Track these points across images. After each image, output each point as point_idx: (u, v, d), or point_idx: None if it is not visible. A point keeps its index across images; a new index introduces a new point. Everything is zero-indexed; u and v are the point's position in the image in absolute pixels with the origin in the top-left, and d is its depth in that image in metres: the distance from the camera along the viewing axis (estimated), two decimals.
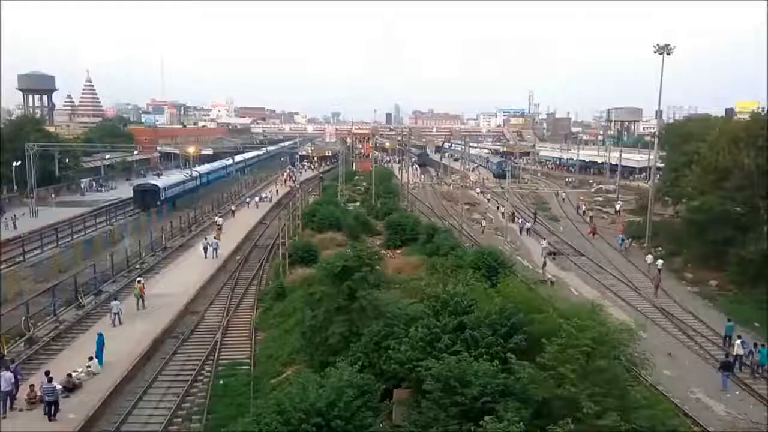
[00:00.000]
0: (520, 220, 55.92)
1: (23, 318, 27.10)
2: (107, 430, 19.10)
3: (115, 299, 29.63)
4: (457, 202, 62.65)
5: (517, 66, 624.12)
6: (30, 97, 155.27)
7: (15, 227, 50.85)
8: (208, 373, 23.60)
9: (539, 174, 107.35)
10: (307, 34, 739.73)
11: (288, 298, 30.94)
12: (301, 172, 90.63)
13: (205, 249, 42.52)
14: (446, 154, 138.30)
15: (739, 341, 24.50)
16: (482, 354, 15.65)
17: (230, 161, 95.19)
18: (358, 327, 19.57)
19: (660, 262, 38.62)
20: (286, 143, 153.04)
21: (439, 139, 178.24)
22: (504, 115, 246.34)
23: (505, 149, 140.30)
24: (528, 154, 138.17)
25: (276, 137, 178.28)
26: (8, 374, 19.91)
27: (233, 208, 62.73)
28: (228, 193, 76.14)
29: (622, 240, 47.38)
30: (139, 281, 32.33)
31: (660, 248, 44.18)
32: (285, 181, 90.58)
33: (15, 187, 65.43)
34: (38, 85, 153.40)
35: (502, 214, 58.46)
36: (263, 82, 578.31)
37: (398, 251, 42.63)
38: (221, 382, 22.53)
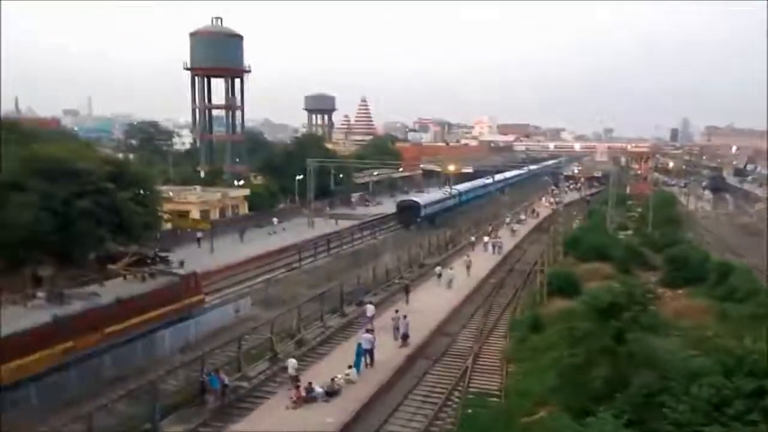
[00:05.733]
0: None
1: (295, 320, 31.21)
2: None
3: (444, 269, 43.20)
4: (763, 236, 54.29)
5: None
6: (314, 116, 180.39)
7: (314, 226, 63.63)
8: (457, 399, 24.18)
9: None
10: (577, 44, 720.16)
11: (544, 331, 30.15)
12: (565, 194, 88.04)
13: (493, 246, 53.76)
14: (749, 178, 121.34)
15: None
16: None
17: (490, 180, 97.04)
18: (625, 374, 18.13)
19: None
20: (550, 162, 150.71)
21: (740, 160, 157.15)
22: None
23: None
24: None
25: (539, 155, 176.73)
26: (369, 336, 26.16)
27: (490, 229, 63.64)
28: (486, 213, 77.68)
29: None
30: (467, 256, 46.92)
31: None
32: (547, 202, 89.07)
33: (297, 199, 76.13)
34: (321, 106, 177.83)
35: None
36: (528, 98, 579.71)
37: (679, 291, 38.51)
38: (469, 411, 22.86)
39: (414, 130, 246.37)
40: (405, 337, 29.01)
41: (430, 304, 35.95)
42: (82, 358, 24.75)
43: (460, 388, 25.28)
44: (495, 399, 24.25)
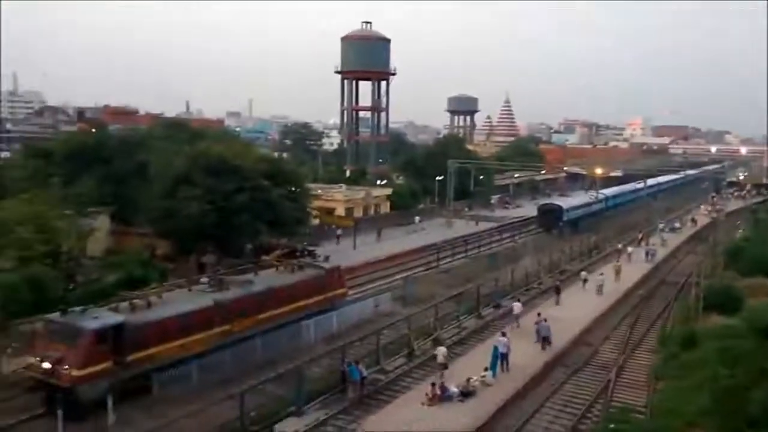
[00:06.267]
0: None
1: (432, 319, 31.48)
2: None
3: (590, 274, 41.65)
4: None
5: None
6: (456, 117, 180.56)
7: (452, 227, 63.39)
8: (598, 412, 23.12)
9: None
10: (747, 36, 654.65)
11: (698, 348, 27.86)
12: (727, 201, 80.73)
13: (646, 253, 50.39)
14: None
15: None
16: None
17: (641, 184, 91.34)
18: None
19: None
20: (711, 167, 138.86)
21: None
22: None
23: None
24: None
25: (698, 159, 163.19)
26: (505, 339, 25.63)
27: (640, 236, 59.80)
28: (636, 219, 73.31)
29: None
30: (617, 261, 45.74)
31: None
32: (706, 210, 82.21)
33: (436, 199, 76.68)
34: (463, 107, 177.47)
35: None
36: (689, 97, 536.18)
37: None
38: (612, 426, 21.74)
39: (559, 132, 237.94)
40: (547, 341, 28.35)
41: (572, 310, 34.61)
42: (237, 341, 26.76)
43: (601, 401, 24.15)
44: (640, 416, 22.87)
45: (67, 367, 21.20)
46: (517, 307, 32.10)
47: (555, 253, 50.26)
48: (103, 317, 22.84)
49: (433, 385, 22.71)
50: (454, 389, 22.63)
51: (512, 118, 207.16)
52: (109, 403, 21.12)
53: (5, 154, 65.71)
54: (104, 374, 21.92)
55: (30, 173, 43.09)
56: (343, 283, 35.02)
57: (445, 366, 24.49)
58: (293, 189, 44.39)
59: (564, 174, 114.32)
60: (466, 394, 22.68)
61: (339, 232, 55.00)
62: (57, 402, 20.71)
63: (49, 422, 20.69)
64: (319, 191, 60.35)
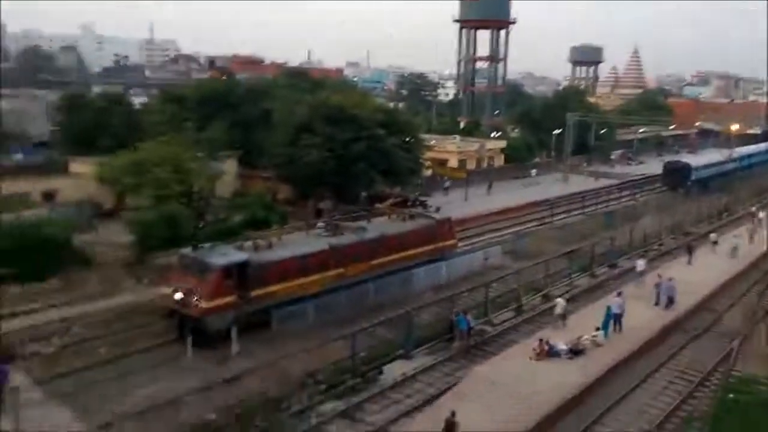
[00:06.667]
0: None
1: (543, 275, 30.81)
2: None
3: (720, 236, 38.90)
4: None
5: None
6: (578, 68, 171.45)
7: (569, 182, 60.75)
8: (717, 381, 21.84)
9: None
10: None
11: None
12: None
13: None
14: None
15: None
16: None
17: None
18: None
19: None
20: None
21: None
22: None
23: None
24: None
25: None
26: (619, 299, 24.58)
27: None
28: None
29: None
30: (752, 223, 42.07)
31: None
32: None
33: (553, 154, 73.91)
34: (586, 57, 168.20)
35: None
36: None
37: None
38: (731, 395, 20.52)
39: (691, 84, 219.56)
40: (671, 300, 27.04)
41: (699, 272, 32.43)
42: (350, 285, 27.67)
43: (721, 370, 22.75)
44: (764, 388, 21.38)
45: (196, 298, 22.92)
46: (640, 264, 30.69)
47: (679, 214, 47.16)
48: (229, 254, 24.35)
49: (541, 340, 22.36)
50: (562, 346, 22.17)
51: (640, 70, 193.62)
52: (233, 334, 22.74)
53: (144, 99, 70.45)
54: (229, 307, 23.50)
55: (167, 117, 46.14)
56: (453, 234, 34.93)
57: (564, 317, 24.41)
58: (407, 139, 44.47)
59: (695, 130, 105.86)
60: (575, 352, 22.15)
61: (447, 183, 54.48)
62: (187, 330, 22.58)
63: (180, 348, 22.62)
64: (433, 142, 59.93)
